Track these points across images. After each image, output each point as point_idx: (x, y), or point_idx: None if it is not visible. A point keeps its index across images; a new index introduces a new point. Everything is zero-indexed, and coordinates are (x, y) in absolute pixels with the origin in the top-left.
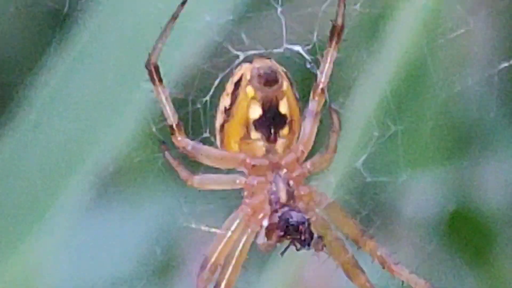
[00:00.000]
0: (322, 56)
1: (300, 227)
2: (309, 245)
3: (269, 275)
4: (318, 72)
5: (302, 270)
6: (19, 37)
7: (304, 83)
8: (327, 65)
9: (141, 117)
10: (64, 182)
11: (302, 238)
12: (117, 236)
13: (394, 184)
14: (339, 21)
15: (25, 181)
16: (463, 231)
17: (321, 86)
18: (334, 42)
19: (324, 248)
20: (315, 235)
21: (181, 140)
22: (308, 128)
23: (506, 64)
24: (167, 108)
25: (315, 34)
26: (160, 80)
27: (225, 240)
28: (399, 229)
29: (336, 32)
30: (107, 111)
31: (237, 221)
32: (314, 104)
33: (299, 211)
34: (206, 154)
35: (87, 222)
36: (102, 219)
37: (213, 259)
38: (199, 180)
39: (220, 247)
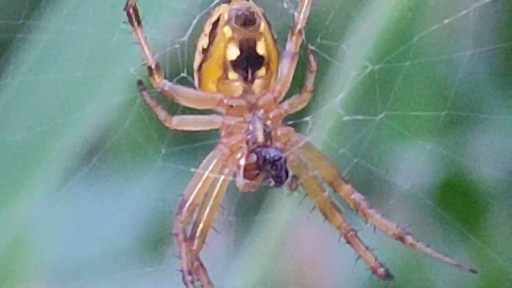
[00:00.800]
0: None
1: (276, 163)
2: (283, 182)
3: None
4: (295, 13)
5: (287, 235)
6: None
7: (282, 25)
8: (304, 5)
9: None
10: (51, 147)
11: (278, 174)
12: (109, 208)
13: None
14: None
15: (13, 143)
16: (455, 201)
17: (298, 26)
18: None
19: (299, 187)
20: (290, 173)
21: (159, 82)
22: (286, 69)
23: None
24: (146, 49)
25: None
26: (139, 23)
27: (202, 180)
28: (388, 195)
29: None
30: (93, 69)
31: (215, 161)
32: (291, 45)
33: (275, 149)
34: (183, 94)
35: (76, 191)
36: (92, 189)
37: (190, 200)
38: (177, 121)
39: (198, 187)
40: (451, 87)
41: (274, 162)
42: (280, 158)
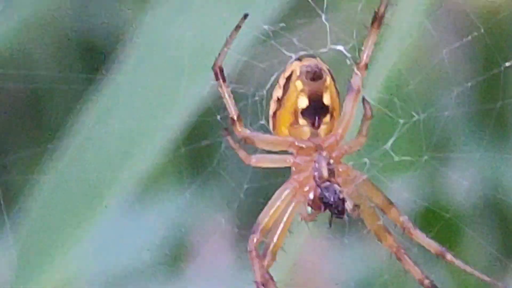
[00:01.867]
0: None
1: (337, 203)
2: (343, 214)
3: None
4: (362, 52)
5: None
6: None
7: (345, 78)
8: (368, 45)
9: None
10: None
11: (338, 211)
12: (135, 229)
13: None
14: (381, 10)
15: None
16: (432, 227)
17: (363, 62)
18: (375, 27)
19: (359, 214)
20: (351, 205)
21: (241, 130)
22: (349, 107)
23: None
24: (229, 102)
25: (354, 35)
26: (224, 80)
27: (274, 208)
28: None
29: (377, 18)
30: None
31: (286, 192)
32: (356, 79)
33: (335, 190)
34: (261, 139)
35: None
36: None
37: (263, 223)
38: (256, 159)
39: (270, 214)
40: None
41: (335, 202)
42: (339, 197)
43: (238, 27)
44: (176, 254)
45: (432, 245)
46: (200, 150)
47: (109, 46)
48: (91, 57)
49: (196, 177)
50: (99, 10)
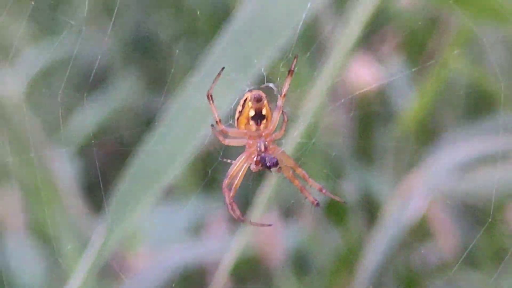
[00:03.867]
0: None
1: (269, 161)
2: (270, 168)
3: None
4: (282, 88)
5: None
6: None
7: (274, 101)
8: (285, 85)
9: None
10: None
11: (270, 166)
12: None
13: None
14: (292, 67)
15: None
16: None
17: (283, 94)
18: (289, 76)
19: (280, 170)
20: (277, 165)
21: (221, 126)
22: (276, 116)
23: None
24: (215, 112)
25: (278, 79)
26: (213, 101)
27: (236, 166)
28: None
29: (290, 71)
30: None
31: (243, 158)
32: (279, 102)
33: (266, 157)
34: (231, 131)
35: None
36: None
37: (230, 173)
38: (228, 141)
39: (234, 169)
40: None
41: (268, 160)
42: (271, 159)
43: (221, 70)
44: None
45: (315, 184)
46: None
47: None
48: None
49: None
50: None
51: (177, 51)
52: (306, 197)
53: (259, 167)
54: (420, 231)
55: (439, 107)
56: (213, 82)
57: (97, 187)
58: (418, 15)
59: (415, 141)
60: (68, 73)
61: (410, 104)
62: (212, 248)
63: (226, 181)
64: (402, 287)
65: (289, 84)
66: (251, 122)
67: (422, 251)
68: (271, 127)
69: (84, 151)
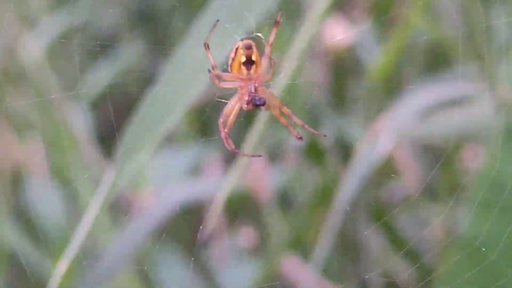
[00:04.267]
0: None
1: (258, 100)
2: (261, 106)
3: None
4: (269, 38)
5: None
6: None
7: (261, 49)
8: (272, 35)
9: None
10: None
11: (259, 104)
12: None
13: None
14: (278, 18)
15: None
16: None
17: (270, 42)
18: (275, 27)
19: (268, 108)
20: (264, 103)
21: (216, 71)
22: (264, 63)
23: None
24: (211, 59)
25: (265, 29)
26: (208, 48)
27: (230, 105)
28: None
29: (276, 22)
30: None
31: (236, 98)
32: (267, 50)
33: (256, 96)
34: (225, 75)
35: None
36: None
37: (225, 112)
38: (222, 84)
39: (228, 108)
40: None
41: (257, 99)
42: (260, 98)
43: (216, 22)
44: None
45: (298, 121)
46: None
47: None
48: None
49: None
50: None
51: (175, 18)
52: (290, 132)
53: (250, 106)
54: (387, 169)
55: (403, 61)
56: (209, 32)
57: (108, 135)
58: None
59: (382, 91)
60: (81, 38)
61: (377, 58)
62: (208, 186)
63: (221, 119)
64: (372, 217)
65: (275, 34)
66: (243, 67)
67: (389, 185)
68: (260, 71)
69: (96, 105)
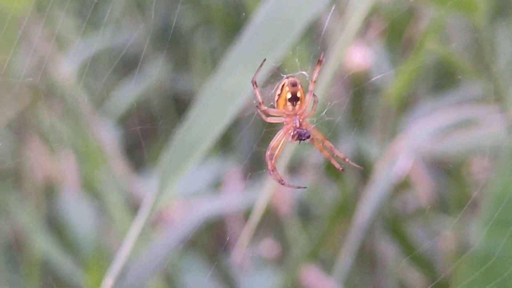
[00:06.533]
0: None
1: (305, 135)
2: (306, 139)
3: None
4: (312, 75)
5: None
6: None
7: (306, 85)
8: (315, 73)
9: None
10: None
11: (303, 139)
12: None
13: None
14: (321, 58)
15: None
16: None
17: (313, 79)
18: (318, 65)
19: (312, 142)
20: (309, 137)
21: (263, 107)
22: (308, 98)
23: None
24: (258, 95)
25: (309, 67)
26: (256, 86)
27: (276, 139)
28: None
29: (319, 61)
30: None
31: (281, 133)
32: (310, 87)
33: (302, 131)
34: (271, 110)
35: None
36: None
37: (271, 146)
38: (269, 119)
39: (274, 141)
40: None
41: (303, 134)
42: (305, 133)
43: (263, 61)
44: None
45: (339, 154)
46: None
47: None
48: None
49: None
50: None
51: (195, 37)
52: (333, 164)
53: (295, 139)
54: (402, 184)
55: (416, 82)
56: (257, 71)
57: (135, 150)
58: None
59: (396, 110)
60: (109, 59)
61: (391, 80)
62: (229, 201)
63: (268, 152)
64: (388, 229)
65: (318, 73)
66: (288, 103)
67: (404, 199)
68: (304, 107)
69: (123, 122)
